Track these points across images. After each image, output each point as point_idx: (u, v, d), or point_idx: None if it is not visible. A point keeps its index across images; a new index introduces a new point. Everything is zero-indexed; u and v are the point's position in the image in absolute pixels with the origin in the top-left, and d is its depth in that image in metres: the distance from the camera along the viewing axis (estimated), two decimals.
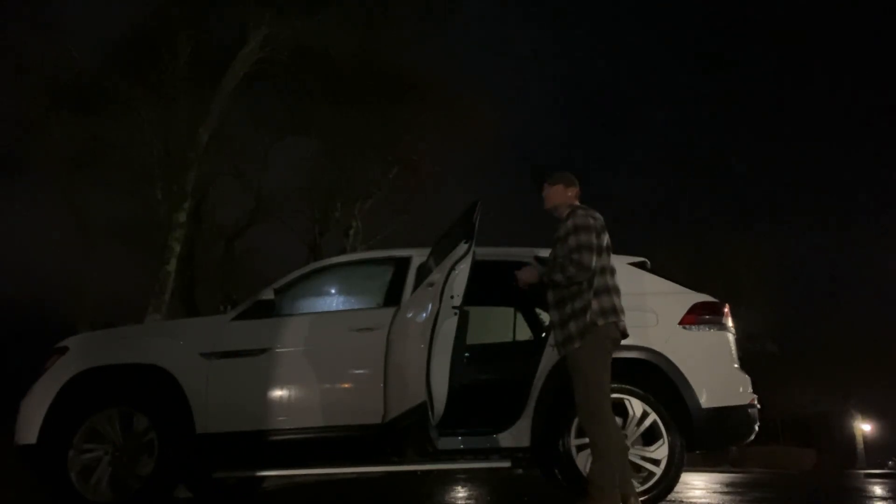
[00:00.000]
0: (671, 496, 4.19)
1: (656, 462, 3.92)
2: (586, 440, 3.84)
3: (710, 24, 56.13)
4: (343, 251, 14.87)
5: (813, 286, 37.77)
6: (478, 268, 3.76)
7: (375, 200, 17.23)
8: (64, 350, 4.30)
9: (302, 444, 4.00)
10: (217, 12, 14.02)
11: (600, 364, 3.34)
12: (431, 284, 3.63)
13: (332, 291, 4.84)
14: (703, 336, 4.17)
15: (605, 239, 3.49)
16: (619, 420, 3.94)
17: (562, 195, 3.68)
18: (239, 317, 4.28)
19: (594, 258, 3.37)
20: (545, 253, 4.15)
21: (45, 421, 4.03)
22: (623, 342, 3.73)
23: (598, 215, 3.53)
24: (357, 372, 4.11)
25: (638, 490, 3.84)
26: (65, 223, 15.06)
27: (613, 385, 3.92)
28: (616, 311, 3.39)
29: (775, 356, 26.07)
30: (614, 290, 3.44)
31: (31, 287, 16.17)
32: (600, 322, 3.33)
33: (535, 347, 4.54)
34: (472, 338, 4.05)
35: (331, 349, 4.16)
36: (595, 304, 3.36)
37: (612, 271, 3.50)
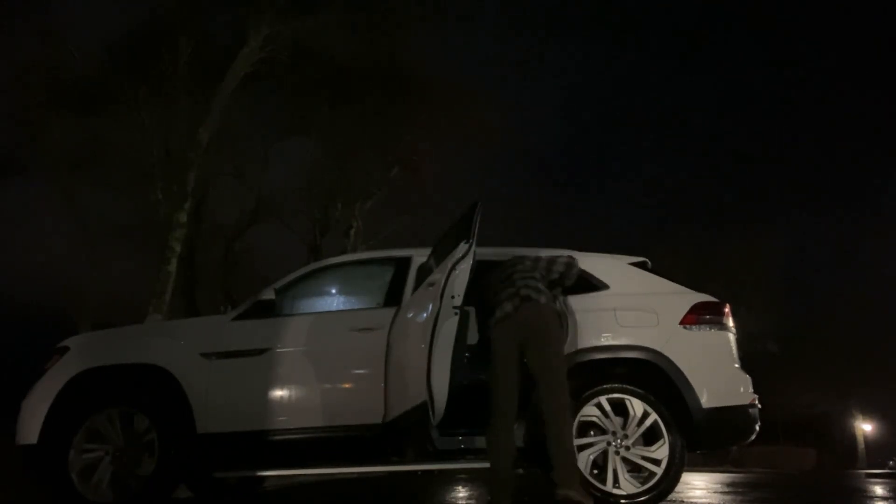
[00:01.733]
0: (672, 496, 4.19)
1: (657, 462, 3.90)
2: (585, 440, 3.91)
3: (711, 23, 56.15)
4: (343, 251, 14.87)
5: (813, 286, 37.82)
6: (478, 268, 3.76)
7: (375, 200, 17.24)
8: (64, 350, 4.29)
9: (302, 444, 3.99)
10: (217, 12, 14.04)
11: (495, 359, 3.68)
12: (432, 284, 3.62)
13: (333, 291, 4.83)
14: (703, 336, 4.15)
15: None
16: (619, 420, 3.96)
17: None
18: (239, 317, 4.28)
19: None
20: (545, 253, 4.18)
21: (45, 421, 4.02)
22: (623, 342, 3.85)
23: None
24: (357, 372, 4.11)
25: (639, 490, 3.85)
26: (65, 223, 15.09)
27: (615, 385, 3.98)
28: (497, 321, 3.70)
29: (775, 356, 26.04)
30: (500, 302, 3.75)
31: (32, 287, 16.19)
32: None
33: None
34: (473, 338, 4.04)
35: (331, 349, 4.16)
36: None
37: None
